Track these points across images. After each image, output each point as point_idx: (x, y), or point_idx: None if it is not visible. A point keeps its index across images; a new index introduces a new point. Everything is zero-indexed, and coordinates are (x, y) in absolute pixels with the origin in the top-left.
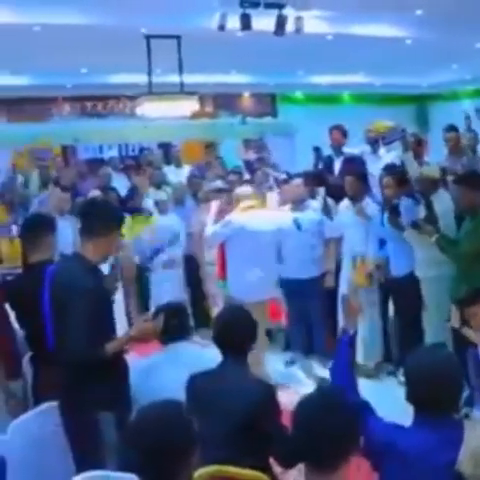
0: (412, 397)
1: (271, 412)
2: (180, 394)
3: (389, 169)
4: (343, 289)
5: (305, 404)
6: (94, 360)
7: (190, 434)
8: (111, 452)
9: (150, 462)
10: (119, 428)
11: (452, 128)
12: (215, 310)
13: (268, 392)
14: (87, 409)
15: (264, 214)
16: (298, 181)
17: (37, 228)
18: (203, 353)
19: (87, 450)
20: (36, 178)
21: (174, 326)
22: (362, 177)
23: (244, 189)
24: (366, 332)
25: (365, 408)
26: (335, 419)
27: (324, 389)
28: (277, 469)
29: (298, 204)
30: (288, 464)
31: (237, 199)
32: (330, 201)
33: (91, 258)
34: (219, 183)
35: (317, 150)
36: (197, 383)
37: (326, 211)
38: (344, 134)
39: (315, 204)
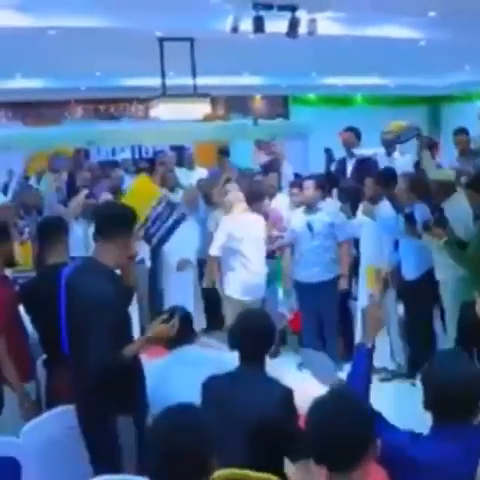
0: (430, 404)
1: (289, 414)
2: (192, 396)
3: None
4: (363, 302)
5: (318, 406)
6: (114, 366)
7: (209, 438)
8: (129, 455)
9: (168, 467)
10: (137, 431)
11: (462, 131)
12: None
13: (286, 395)
14: (104, 412)
15: (254, 218)
16: (309, 184)
17: (53, 231)
18: (209, 355)
19: (104, 453)
20: (48, 179)
21: (178, 331)
22: (381, 179)
23: (236, 194)
24: (387, 335)
25: (379, 418)
26: (349, 419)
27: (337, 391)
28: (289, 470)
29: (310, 206)
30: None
31: (230, 204)
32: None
33: (108, 262)
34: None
35: (328, 151)
36: (214, 386)
37: (345, 211)
38: (357, 136)
39: (328, 206)
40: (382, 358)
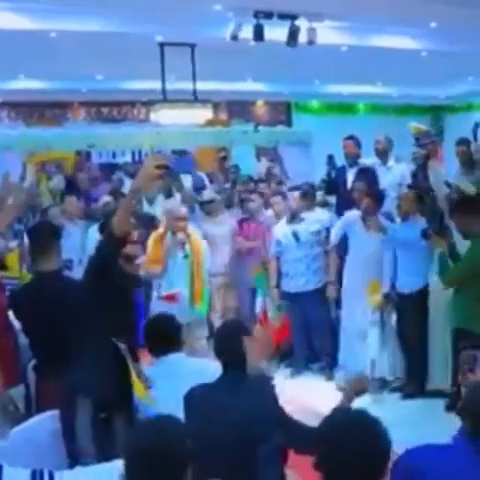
0: (466, 416)
1: (278, 409)
2: (176, 409)
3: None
4: (349, 313)
5: (332, 423)
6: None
7: (185, 450)
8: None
9: (143, 476)
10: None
11: (463, 141)
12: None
13: (270, 392)
14: (68, 391)
15: None
16: (294, 194)
17: (46, 236)
18: (195, 365)
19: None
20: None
21: (165, 338)
22: (378, 196)
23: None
24: (389, 348)
25: None
26: (365, 439)
27: (356, 412)
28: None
29: (294, 216)
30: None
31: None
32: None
33: None
34: (207, 193)
35: (331, 158)
36: (196, 396)
37: None
38: (358, 145)
39: (315, 215)
40: (381, 368)
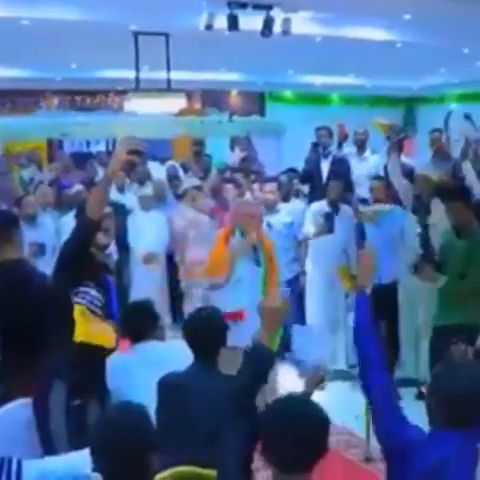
0: (442, 412)
1: (246, 407)
2: (150, 395)
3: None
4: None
5: (273, 410)
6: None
7: (148, 438)
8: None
9: (107, 464)
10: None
11: (437, 131)
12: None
13: (240, 389)
14: (42, 377)
15: None
16: (272, 187)
17: (6, 225)
18: (173, 352)
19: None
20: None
21: (141, 325)
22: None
23: None
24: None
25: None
26: (303, 426)
27: (291, 395)
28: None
29: (270, 208)
30: None
31: None
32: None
33: None
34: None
35: (316, 146)
36: (169, 384)
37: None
38: (330, 135)
39: (290, 205)
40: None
